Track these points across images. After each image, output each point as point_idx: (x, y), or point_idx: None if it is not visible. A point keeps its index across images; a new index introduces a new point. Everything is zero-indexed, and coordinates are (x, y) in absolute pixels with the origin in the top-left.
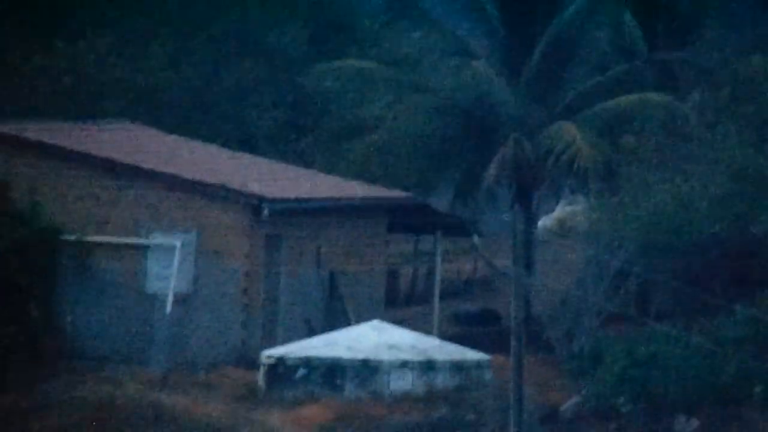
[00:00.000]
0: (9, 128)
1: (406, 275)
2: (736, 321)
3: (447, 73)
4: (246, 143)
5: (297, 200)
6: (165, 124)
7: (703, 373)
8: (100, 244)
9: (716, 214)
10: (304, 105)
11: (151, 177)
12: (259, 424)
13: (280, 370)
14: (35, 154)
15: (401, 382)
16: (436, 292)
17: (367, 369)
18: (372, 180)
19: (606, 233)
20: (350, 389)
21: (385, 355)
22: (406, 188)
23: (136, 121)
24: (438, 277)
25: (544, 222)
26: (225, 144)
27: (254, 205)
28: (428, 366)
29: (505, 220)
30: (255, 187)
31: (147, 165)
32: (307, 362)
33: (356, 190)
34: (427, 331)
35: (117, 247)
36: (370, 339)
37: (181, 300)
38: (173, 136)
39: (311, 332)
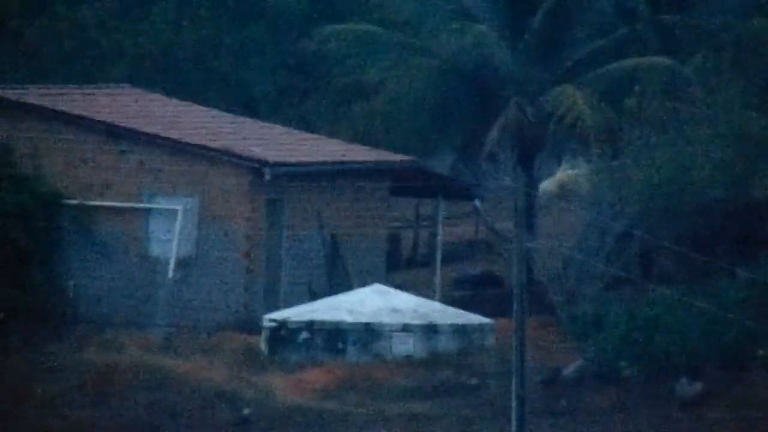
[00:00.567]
0: (11, 93)
1: (407, 239)
2: (738, 283)
3: (449, 36)
4: (248, 107)
5: (299, 164)
6: (167, 88)
7: (705, 336)
8: (102, 209)
9: (718, 177)
10: (306, 69)
11: (153, 141)
12: (261, 388)
13: (283, 333)
14: (37, 119)
15: (403, 346)
16: (438, 255)
17: (369, 333)
18: (373, 144)
19: (608, 196)
20: (352, 353)
21: (387, 319)
22: (407, 152)
23: (138, 86)
24: (440, 241)
25: (545, 185)
26: (227, 108)
27: (256, 169)
28: (430, 330)
29: (507, 184)
30: (257, 151)
31: (149, 129)
32: (310, 326)
33: (358, 153)
34: (429, 295)
35: (119, 211)
36: (372, 303)
37: (183, 264)
38: (175, 101)
39: (313, 296)
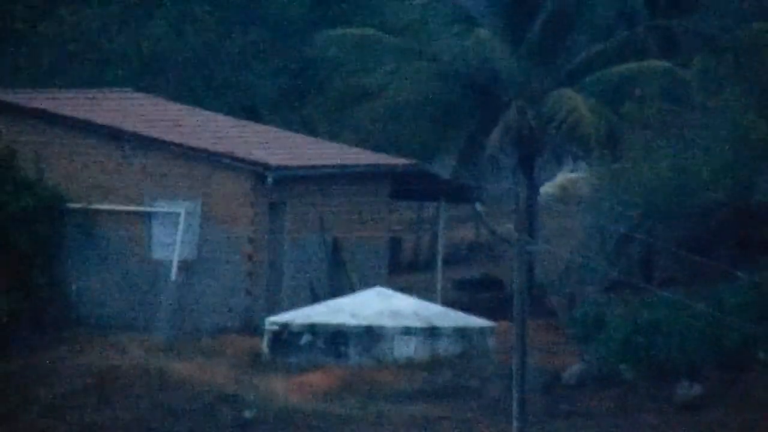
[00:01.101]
0: (15, 97)
1: (409, 242)
2: (738, 287)
3: (449, 40)
4: (250, 111)
5: (300, 167)
6: (169, 92)
7: (705, 339)
8: (105, 212)
9: (718, 181)
10: (308, 73)
11: (156, 145)
12: (263, 391)
13: (284, 336)
14: (41, 123)
15: (405, 349)
16: (439, 258)
17: (370, 335)
18: (375, 147)
19: (608, 200)
20: (354, 356)
21: (389, 322)
22: (408, 155)
23: (141, 90)
24: (441, 244)
25: (546, 189)
26: (229, 112)
27: (258, 172)
28: (431, 332)
29: (508, 187)
30: (259, 155)
31: (151, 133)
32: (311, 329)
33: (359, 157)
34: (430, 298)
35: (122, 214)
36: (373, 306)
37: (185, 267)
38: (177, 105)
39: (315, 299)
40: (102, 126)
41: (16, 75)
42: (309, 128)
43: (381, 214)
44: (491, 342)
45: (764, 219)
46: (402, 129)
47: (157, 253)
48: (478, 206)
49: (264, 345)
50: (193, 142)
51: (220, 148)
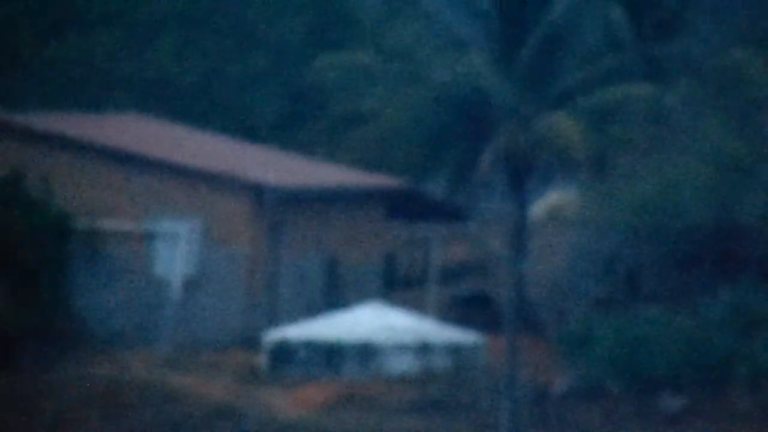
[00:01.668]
0: (22, 119)
1: (403, 260)
2: (719, 303)
3: (443, 65)
4: (249, 133)
5: (299, 188)
6: (171, 115)
7: (688, 354)
8: (109, 231)
9: (701, 201)
10: (305, 96)
11: (159, 166)
12: (261, 404)
13: (282, 351)
14: (47, 145)
15: (399, 364)
16: (432, 276)
17: (366, 351)
18: (370, 168)
19: (595, 220)
20: (350, 370)
21: (384, 338)
22: (403, 176)
23: (144, 112)
24: (434, 262)
25: (536, 209)
26: (230, 134)
27: (258, 192)
28: (425, 348)
29: (499, 207)
30: (258, 176)
31: (154, 154)
32: (308, 344)
33: (355, 178)
34: (424, 314)
35: (125, 233)
36: (368, 322)
37: (187, 284)
38: (179, 127)
39: (312, 315)
40: (107, 148)
41: (23, 98)
42: (307, 150)
43: (376, 233)
44: (482, 357)
45: (745, 238)
46: (396, 151)
47: (160, 271)
48: (470, 225)
49: (262, 359)
50: (195, 163)
51: (220, 168)
